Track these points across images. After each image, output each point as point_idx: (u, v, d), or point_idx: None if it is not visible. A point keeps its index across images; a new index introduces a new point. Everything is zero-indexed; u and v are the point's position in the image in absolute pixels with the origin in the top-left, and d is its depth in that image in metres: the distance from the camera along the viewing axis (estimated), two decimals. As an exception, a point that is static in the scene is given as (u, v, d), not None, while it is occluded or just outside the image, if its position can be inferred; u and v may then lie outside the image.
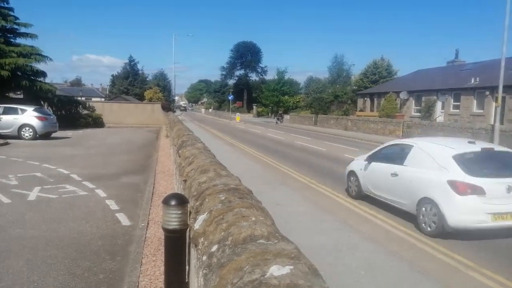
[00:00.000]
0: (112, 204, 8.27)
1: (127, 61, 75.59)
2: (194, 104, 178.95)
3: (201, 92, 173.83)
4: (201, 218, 2.42)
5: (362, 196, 7.75)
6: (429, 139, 5.73)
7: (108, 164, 13.93)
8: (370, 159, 7.00)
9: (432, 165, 4.90)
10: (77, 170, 12.03)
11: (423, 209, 4.93)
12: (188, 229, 2.94)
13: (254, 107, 77.89)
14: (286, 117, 58.56)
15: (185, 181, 4.25)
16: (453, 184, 4.51)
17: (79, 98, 45.94)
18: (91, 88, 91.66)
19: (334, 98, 57.33)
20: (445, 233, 4.97)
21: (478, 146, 5.03)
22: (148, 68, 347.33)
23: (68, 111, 33.83)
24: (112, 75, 79.75)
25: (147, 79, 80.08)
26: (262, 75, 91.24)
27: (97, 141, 21.57)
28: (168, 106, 57.12)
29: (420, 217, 5.10)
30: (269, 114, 76.02)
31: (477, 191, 4.41)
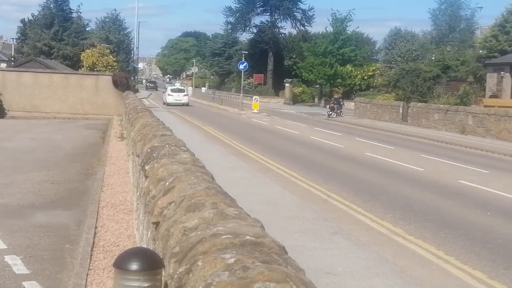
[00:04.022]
0: (17, 265, 8.33)
1: (51, -6, 76.99)
2: (173, 78, 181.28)
3: (187, 55, 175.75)
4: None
5: (164, 104, 62.78)
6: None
7: (10, 187, 14.06)
8: (163, 92, 72.54)
9: (167, 90, 66.75)
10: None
11: (164, 100, 64.52)
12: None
13: (286, 85, 78.23)
14: (349, 104, 58.59)
15: (157, 224, 4.23)
16: (167, 93, 63.67)
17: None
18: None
19: (442, 71, 57.15)
20: (166, 105, 60.93)
21: (177, 86, 79.83)
22: (90, 7, 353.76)
23: None
24: (23, 21, 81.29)
25: (87, 29, 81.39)
26: (303, 25, 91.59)
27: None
28: (126, 80, 57.84)
29: (164, 101, 64.00)
30: (316, 99, 76.16)
31: (171, 95, 62.61)
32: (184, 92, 64.84)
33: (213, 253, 2.71)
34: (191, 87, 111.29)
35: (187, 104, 61.03)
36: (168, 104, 59.70)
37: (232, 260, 2.55)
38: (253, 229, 3.08)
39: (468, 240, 11.15)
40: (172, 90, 65.10)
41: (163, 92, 67.21)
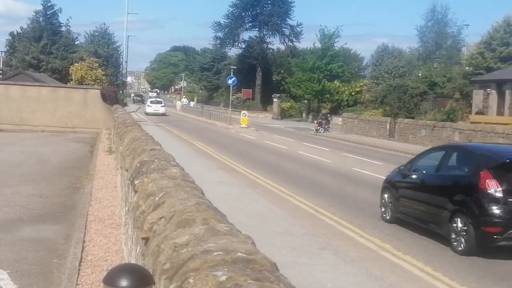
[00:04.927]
0: (4, 280, 8.26)
1: (40, 7, 77.00)
2: (161, 92, 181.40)
3: (176, 69, 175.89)
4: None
5: (145, 113, 69.67)
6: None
7: (-2, 201, 13.94)
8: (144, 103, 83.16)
9: (147, 101, 78.37)
10: None
11: (145, 110, 72.42)
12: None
13: (274, 100, 78.44)
14: (336, 120, 58.73)
15: (146, 240, 4.19)
16: (147, 104, 73.64)
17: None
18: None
19: (428, 87, 57.42)
20: (146, 114, 67.23)
21: (159, 98, 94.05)
22: (79, 21, 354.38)
23: None
24: (11, 34, 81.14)
25: (76, 43, 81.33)
26: (292, 41, 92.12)
27: (-22, 156, 21.96)
28: (114, 94, 57.72)
29: (145, 111, 70.70)
30: (304, 114, 76.37)
31: (150, 106, 71.21)
32: (161, 103, 73.95)
33: (205, 270, 2.68)
34: (179, 101, 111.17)
35: (164, 114, 69.84)
36: (148, 114, 68.24)
37: (224, 278, 2.52)
38: (245, 246, 3.05)
39: (456, 256, 11.15)
40: (151, 102, 75.02)
41: (144, 103, 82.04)
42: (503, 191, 11.17)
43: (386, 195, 14.31)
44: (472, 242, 11.04)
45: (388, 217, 14.05)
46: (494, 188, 11.23)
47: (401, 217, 13.60)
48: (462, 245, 11.22)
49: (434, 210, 12.43)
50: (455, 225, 11.44)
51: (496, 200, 11.21)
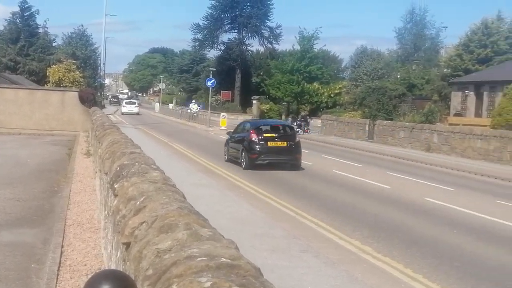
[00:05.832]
0: (-19, 284, 8.15)
1: (17, 9, 76.51)
2: (139, 95, 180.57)
3: (154, 71, 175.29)
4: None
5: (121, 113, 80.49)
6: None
7: (-25, 204, 13.81)
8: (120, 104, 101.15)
9: (123, 102, 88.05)
10: None
11: (120, 110, 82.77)
12: None
13: (254, 102, 78.41)
14: (315, 122, 58.87)
15: (127, 245, 4.15)
16: (123, 105, 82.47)
17: None
18: None
19: (407, 89, 57.82)
20: (122, 114, 77.21)
21: (133, 99, 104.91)
22: (57, 22, 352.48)
23: None
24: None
25: (54, 44, 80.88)
26: (271, 43, 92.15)
27: (-46, 159, 21.73)
28: (92, 96, 57.45)
29: (121, 111, 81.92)
30: (283, 116, 76.52)
31: (125, 106, 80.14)
32: (135, 104, 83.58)
33: (189, 276, 2.65)
34: (157, 103, 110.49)
35: (137, 113, 78.06)
36: (123, 113, 75.62)
37: (208, 284, 2.50)
38: (229, 251, 3.03)
39: (436, 258, 11.21)
40: (126, 103, 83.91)
41: (120, 104, 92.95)
42: (258, 139, 23.93)
43: (225, 148, 26.95)
44: (247, 163, 23.64)
45: (226, 159, 26.33)
46: (255, 138, 23.95)
47: (230, 158, 25.86)
48: (243, 164, 23.78)
49: (237, 152, 24.94)
50: (241, 156, 24.11)
51: (255, 143, 23.86)
